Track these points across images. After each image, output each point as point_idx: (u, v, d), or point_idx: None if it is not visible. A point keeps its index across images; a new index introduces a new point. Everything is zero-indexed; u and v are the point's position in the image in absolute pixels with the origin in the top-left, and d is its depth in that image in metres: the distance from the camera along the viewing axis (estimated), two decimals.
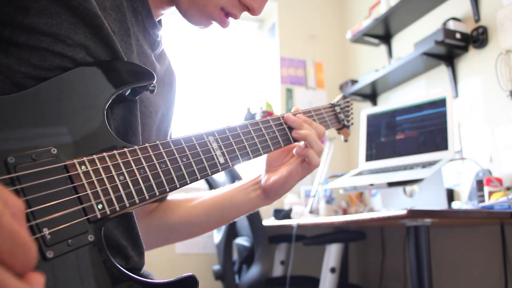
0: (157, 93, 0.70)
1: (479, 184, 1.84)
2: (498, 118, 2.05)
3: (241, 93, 3.18)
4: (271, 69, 3.18)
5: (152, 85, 0.59)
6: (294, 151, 0.76)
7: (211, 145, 0.61)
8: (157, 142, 0.56)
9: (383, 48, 2.86)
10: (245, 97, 3.17)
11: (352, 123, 0.90)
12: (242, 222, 2.21)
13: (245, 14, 0.73)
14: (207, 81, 3.08)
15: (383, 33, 2.76)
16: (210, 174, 0.59)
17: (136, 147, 0.54)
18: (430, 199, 1.83)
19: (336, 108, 0.87)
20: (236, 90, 3.17)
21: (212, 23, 0.72)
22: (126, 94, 0.58)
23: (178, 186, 0.55)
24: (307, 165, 0.75)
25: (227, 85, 3.14)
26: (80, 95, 0.53)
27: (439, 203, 1.79)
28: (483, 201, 1.78)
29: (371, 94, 2.93)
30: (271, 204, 0.81)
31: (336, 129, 0.89)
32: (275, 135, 0.71)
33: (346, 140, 0.91)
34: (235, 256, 2.26)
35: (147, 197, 0.52)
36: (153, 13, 0.69)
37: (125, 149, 0.53)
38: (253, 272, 2.03)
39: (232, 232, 2.22)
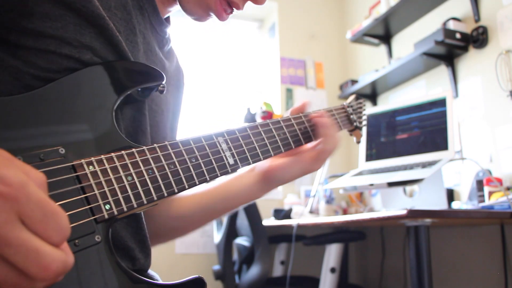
0: (167, 91, 0.70)
1: (479, 184, 1.84)
2: (498, 118, 2.06)
3: (241, 93, 3.18)
4: (271, 69, 3.18)
5: (161, 85, 0.59)
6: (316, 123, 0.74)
7: (220, 146, 0.61)
8: (166, 142, 0.56)
9: (383, 48, 2.86)
10: (245, 97, 3.17)
11: (364, 124, 0.89)
12: (242, 222, 2.21)
13: (246, 14, 0.71)
14: (207, 81, 3.08)
15: (383, 33, 2.76)
16: (219, 175, 0.58)
17: (144, 147, 0.53)
18: (430, 199, 1.83)
19: (348, 109, 0.85)
20: (236, 90, 3.17)
21: (210, 16, 0.69)
22: (135, 94, 0.58)
23: (187, 187, 0.55)
24: (320, 151, 0.71)
25: (227, 85, 3.14)
26: (89, 96, 0.53)
27: (439, 203, 1.79)
28: (483, 201, 1.78)
29: (371, 94, 2.93)
30: (269, 200, 0.79)
31: (348, 130, 0.87)
32: (286, 136, 0.70)
33: (358, 142, 0.89)
34: (235, 256, 2.26)
35: (155, 198, 0.51)
36: (160, 11, 0.69)
37: (133, 150, 0.52)
38: (253, 272, 2.03)
39: (232, 232, 2.22)
